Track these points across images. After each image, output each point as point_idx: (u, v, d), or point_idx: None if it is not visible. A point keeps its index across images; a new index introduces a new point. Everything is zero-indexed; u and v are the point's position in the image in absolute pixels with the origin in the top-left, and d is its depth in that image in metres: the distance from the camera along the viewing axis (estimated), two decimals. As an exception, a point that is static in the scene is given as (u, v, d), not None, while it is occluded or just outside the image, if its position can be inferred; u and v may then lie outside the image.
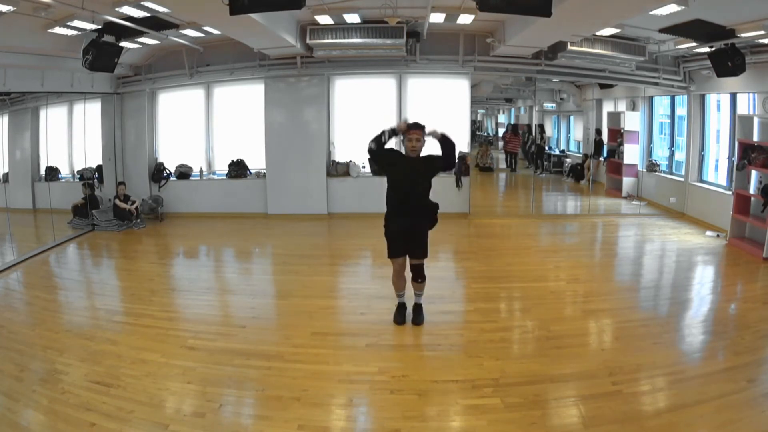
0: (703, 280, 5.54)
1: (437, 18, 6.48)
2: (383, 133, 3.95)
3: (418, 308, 4.18)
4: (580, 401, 3.01)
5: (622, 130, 9.25)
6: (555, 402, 3.06)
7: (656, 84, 8.08)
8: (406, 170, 3.93)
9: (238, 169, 8.62)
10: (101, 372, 3.39)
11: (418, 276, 4.08)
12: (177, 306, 4.81)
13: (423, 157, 3.96)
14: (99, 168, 8.31)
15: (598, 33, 6.67)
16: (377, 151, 3.94)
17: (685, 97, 8.14)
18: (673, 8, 4.94)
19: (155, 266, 6.09)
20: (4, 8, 4.59)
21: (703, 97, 7.90)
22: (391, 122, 4.29)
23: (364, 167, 8.43)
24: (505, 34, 6.92)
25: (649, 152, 9.35)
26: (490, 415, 2.89)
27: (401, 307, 4.22)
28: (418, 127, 3.92)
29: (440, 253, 6.20)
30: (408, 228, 3.94)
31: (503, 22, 6.88)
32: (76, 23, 5.46)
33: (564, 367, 3.41)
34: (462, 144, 8.39)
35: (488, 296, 4.83)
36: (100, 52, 5.73)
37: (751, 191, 6.35)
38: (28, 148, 7.36)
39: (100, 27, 5.66)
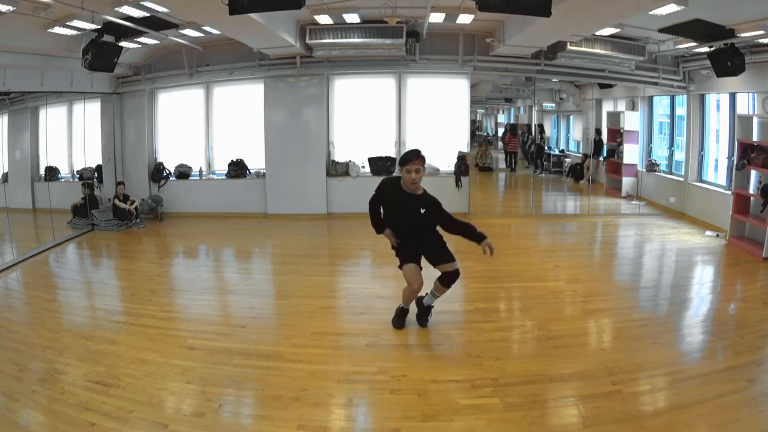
0: (703, 279, 5.54)
1: (437, 18, 6.47)
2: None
3: (427, 310, 4.04)
4: (580, 401, 3.01)
5: (621, 130, 9.25)
6: (554, 402, 3.05)
7: (656, 84, 8.08)
8: (400, 208, 3.61)
9: (237, 169, 8.62)
10: (101, 372, 3.39)
11: (451, 281, 3.79)
12: (176, 306, 4.80)
13: (423, 197, 3.55)
14: (98, 168, 8.30)
15: (597, 33, 6.67)
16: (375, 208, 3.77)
17: (685, 96, 8.14)
18: (672, 8, 4.94)
19: (155, 266, 6.09)
20: (4, 8, 4.59)
21: (702, 97, 7.90)
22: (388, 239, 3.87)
23: (363, 167, 8.44)
24: (504, 34, 6.92)
25: (649, 152, 9.35)
26: (489, 415, 2.89)
27: (402, 312, 4.02)
28: (418, 156, 3.44)
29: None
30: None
31: (503, 21, 6.88)
32: (76, 23, 5.46)
33: (563, 367, 3.41)
34: (461, 144, 8.41)
35: (488, 296, 4.83)
36: (100, 52, 5.73)
37: (751, 191, 6.35)
38: (28, 148, 7.35)
39: (99, 27, 5.67)
